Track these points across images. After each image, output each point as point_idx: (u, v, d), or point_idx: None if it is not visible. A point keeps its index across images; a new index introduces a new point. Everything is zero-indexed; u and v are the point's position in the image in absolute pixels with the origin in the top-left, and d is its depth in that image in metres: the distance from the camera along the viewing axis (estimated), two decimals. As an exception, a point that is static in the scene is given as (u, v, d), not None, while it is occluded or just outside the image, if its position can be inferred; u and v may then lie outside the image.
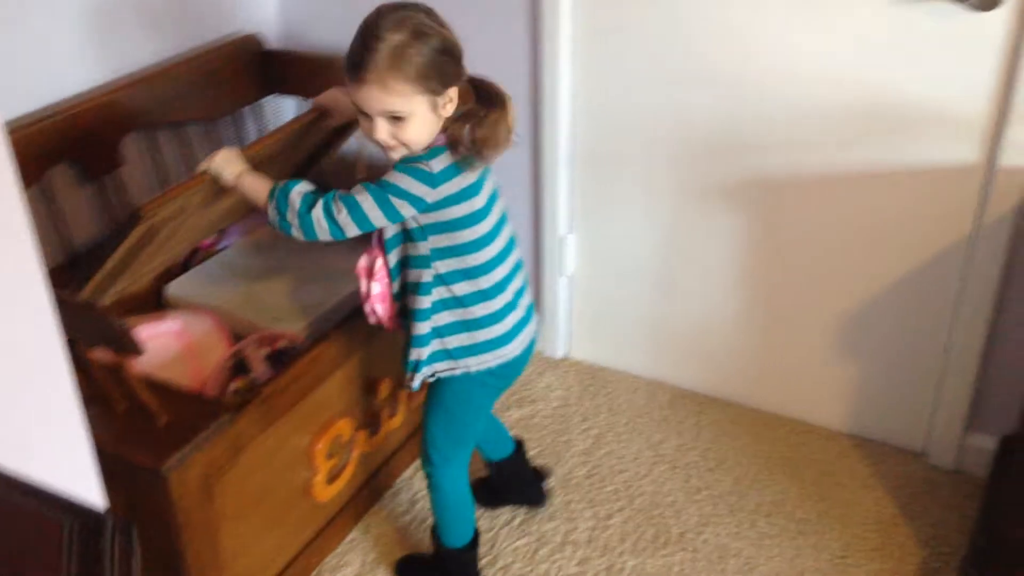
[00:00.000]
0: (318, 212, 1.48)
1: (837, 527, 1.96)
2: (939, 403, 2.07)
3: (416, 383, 1.60)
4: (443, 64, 1.44)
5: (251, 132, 2.42)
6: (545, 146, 2.22)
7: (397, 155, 1.48)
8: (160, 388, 1.49)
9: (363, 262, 1.60)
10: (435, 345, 1.58)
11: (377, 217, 1.47)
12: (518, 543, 1.94)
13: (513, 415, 2.29)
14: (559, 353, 2.49)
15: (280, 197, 1.50)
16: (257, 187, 1.53)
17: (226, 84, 2.28)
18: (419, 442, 1.75)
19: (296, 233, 1.51)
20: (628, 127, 2.14)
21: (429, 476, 1.74)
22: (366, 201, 1.47)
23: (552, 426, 2.26)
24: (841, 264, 2.05)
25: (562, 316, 2.44)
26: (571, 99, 2.17)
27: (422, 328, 1.56)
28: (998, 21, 1.69)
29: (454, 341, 1.58)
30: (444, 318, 1.57)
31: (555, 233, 2.32)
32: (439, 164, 1.47)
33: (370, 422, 1.92)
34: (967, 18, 1.70)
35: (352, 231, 1.49)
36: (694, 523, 1.98)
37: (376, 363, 1.89)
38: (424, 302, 1.54)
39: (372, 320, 1.64)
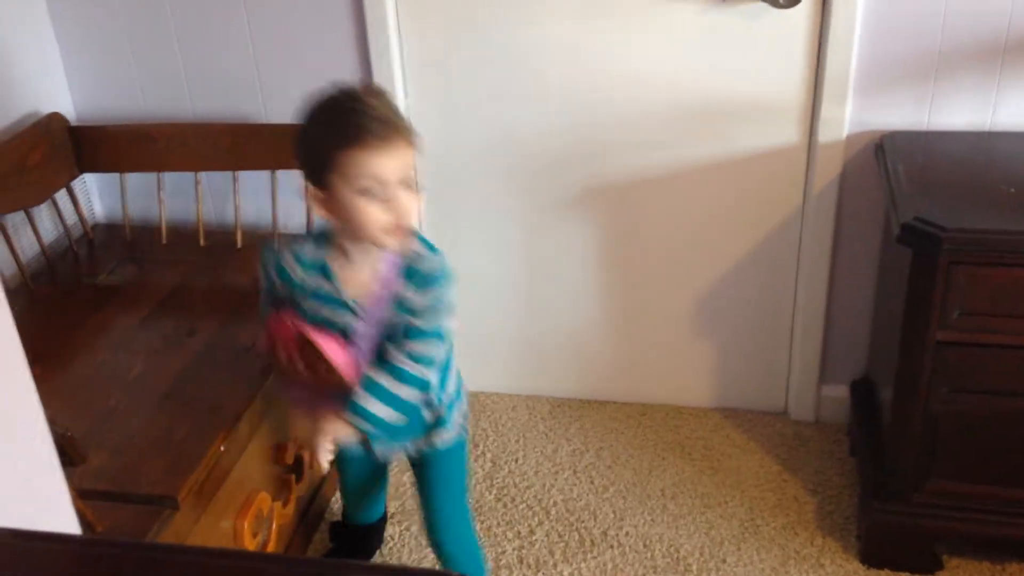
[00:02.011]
0: (422, 369, 1.47)
1: (736, 494, 2.10)
2: (793, 363, 2.27)
3: (448, 437, 1.62)
4: None
5: (70, 215, 2.25)
6: (392, 185, 2.22)
7: (399, 241, 1.42)
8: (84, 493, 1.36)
9: (344, 358, 1.47)
10: (446, 400, 1.60)
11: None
12: (451, 580, 1.92)
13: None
14: (429, 388, 2.49)
15: (399, 405, 1.47)
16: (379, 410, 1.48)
17: (37, 170, 2.11)
18: (425, 524, 1.73)
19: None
20: (467, 152, 2.19)
21: (464, 552, 1.72)
22: (441, 334, 1.48)
23: (446, 460, 2.26)
24: (690, 252, 2.21)
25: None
26: (411, 134, 2.19)
27: (445, 394, 1.59)
28: (801, 15, 1.90)
29: (452, 391, 1.62)
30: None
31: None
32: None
33: (281, 492, 1.84)
34: (775, 15, 1.90)
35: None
36: (612, 520, 2.05)
37: (277, 430, 1.82)
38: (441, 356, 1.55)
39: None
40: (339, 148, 1.35)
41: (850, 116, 1.96)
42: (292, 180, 1.95)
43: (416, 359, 1.45)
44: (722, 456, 2.22)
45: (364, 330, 1.46)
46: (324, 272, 1.48)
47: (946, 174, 1.80)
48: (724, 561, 1.93)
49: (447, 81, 2.12)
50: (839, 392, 2.26)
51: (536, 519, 2.06)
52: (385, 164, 1.35)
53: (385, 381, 1.45)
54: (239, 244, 2.20)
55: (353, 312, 1.47)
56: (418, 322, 1.45)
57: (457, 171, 2.23)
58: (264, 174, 2.18)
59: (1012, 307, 1.61)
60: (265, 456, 1.77)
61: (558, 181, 2.19)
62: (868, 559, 1.89)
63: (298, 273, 1.49)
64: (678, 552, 1.96)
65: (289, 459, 1.84)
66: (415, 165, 1.41)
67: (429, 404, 1.57)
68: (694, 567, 1.92)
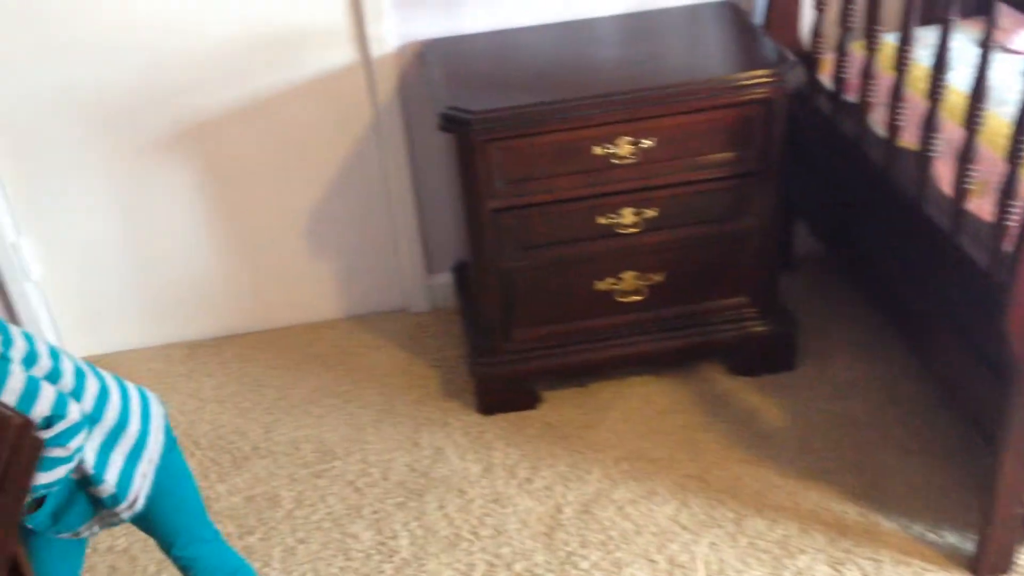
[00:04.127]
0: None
1: (371, 386, 2.33)
2: (402, 262, 2.52)
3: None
4: None
5: None
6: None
7: None
8: None
9: None
10: None
11: None
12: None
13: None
14: (59, 362, 2.46)
15: None
16: None
17: None
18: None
19: None
20: (43, 115, 2.18)
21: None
22: None
23: (89, 424, 2.27)
24: (285, 176, 2.36)
25: (42, 322, 2.42)
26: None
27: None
28: (332, -56, 2.09)
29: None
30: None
31: (4, 240, 2.28)
32: None
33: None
34: (309, -53, 2.08)
35: None
36: (260, 435, 2.20)
37: None
38: None
39: None
40: None
41: (394, 31, 2.19)
42: None
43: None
44: (356, 357, 2.44)
45: None
46: None
47: (476, 69, 2.09)
48: (367, 442, 2.16)
49: None
50: (445, 279, 2.54)
51: (187, 451, 2.16)
52: None
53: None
54: None
55: None
56: None
57: (40, 137, 2.21)
58: None
59: (541, 169, 1.94)
60: None
61: (140, 128, 2.24)
62: (483, 409, 2.20)
63: None
64: (324, 445, 2.16)
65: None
66: None
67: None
68: (340, 453, 2.14)
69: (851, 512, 1.90)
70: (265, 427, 2.22)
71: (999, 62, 1.75)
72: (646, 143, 1.91)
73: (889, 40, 1.95)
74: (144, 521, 1.55)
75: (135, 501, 1.47)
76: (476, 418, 2.20)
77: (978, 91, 1.58)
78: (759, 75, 1.89)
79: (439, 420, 2.21)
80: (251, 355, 2.46)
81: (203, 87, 2.20)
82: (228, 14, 2.13)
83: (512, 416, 2.20)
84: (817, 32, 2.15)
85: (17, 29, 2.07)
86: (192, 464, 2.12)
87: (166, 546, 1.57)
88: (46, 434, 1.28)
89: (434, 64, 2.09)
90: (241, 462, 2.13)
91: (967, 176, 1.65)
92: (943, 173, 1.75)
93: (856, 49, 2.04)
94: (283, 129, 2.29)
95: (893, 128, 1.87)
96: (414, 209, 2.43)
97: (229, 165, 2.31)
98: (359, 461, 2.11)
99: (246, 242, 2.43)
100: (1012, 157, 1.51)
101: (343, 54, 2.21)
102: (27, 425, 1.09)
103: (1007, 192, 1.54)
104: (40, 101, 2.16)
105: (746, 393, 2.21)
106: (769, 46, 2.03)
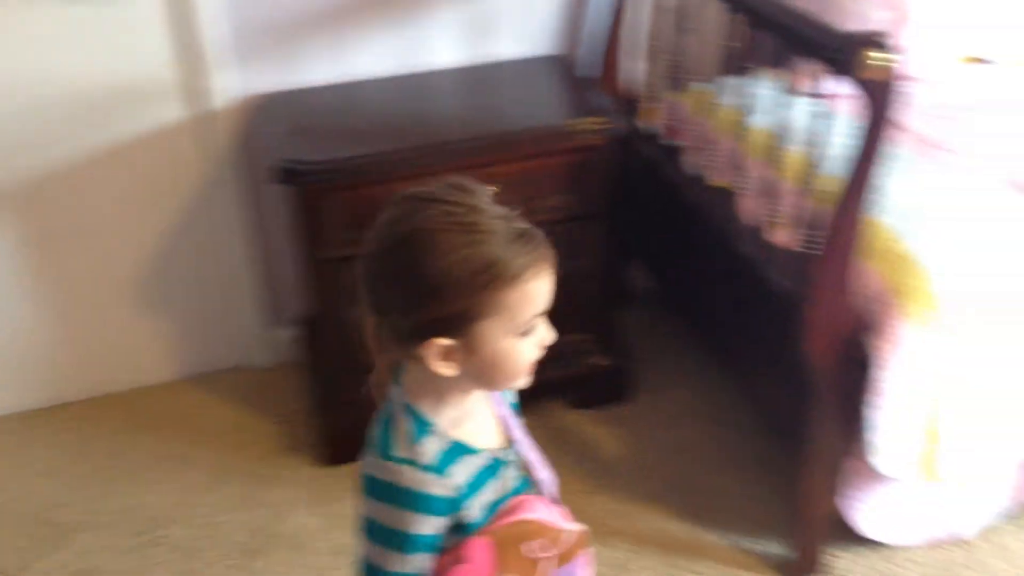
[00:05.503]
0: None
1: (209, 447, 2.25)
2: (243, 318, 2.45)
3: None
4: None
5: None
6: None
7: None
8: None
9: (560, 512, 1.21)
10: None
11: None
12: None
13: None
14: None
15: None
16: None
17: None
18: None
19: None
20: None
21: None
22: None
23: None
24: (118, 237, 2.28)
25: None
26: None
27: None
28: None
29: None
30: None
31: None
32: None
33: None
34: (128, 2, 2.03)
35: None
36: (85, 506, 2.09)
37: None
38: None
39: None
40: (503, 285, 1.01)
41: (233, 85, 2.17)
42: None
43: None
44: (193, 418, 2.35)
45: (539, 464, 1.20)
46: (463, 451, 1.11)
47: (315, 122, 2.09)
48: (202, 505, 2.09)
49: None
50: (286, 333, 2.49)
51: (5, 530, 2.03)
52: (547, 291, 1.05)
53: None
54: None
55: (516, 460, 1.17)
56: None
57: None
58: None
59: (375, 219, 1.94)
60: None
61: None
62: (327, 462, 2.16)
63: (452, 484, 1.08)
64: (157, 511, 2.07)
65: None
66: None
67: None
68: (175, 517, 2.06)
69: (680, 530, 1.98)
70: (91, 499, 2.11)
71: (798, 106, 1.89)
72: (482, 189, 1.96)
73: (703, 88, 2.08)
74: None
75: None
76: (320, 471, 2.16)
77: (780, 132, 1.71)
78: (585, 123, 1.97)
79: (279, 476, 2.15)
80: (83, 424, 2.34)
81: (27, 149, 2.12)
82: (47, 73, 2.06)
83: (357, 466, 2.16)
84: (641, 82, 2.27)
85: None
86: (8, 544, 1.99)
87: None
88: None
89: (273, 117, 2.09)
90: (62, 537, 2.01)
91: (771, 210, 1.76)
92: (749, 207, 1.87)
93: (674, 98, 2.17)
94: (111, 188, 2.22)
95: (703, 168, 1.99)
96: (251, 264, 2.38)
97: (55, 226, 2.22)
98: (193, 525, 2.03)
99: (75, 306, 2.32)
100: (808, 190, 1.63)
101: (173, 110, 2.17)
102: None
103: (807, 223, 1.66)
104: None
105: (586, 426, 2.26)
106: (595, 95, 2.13)
